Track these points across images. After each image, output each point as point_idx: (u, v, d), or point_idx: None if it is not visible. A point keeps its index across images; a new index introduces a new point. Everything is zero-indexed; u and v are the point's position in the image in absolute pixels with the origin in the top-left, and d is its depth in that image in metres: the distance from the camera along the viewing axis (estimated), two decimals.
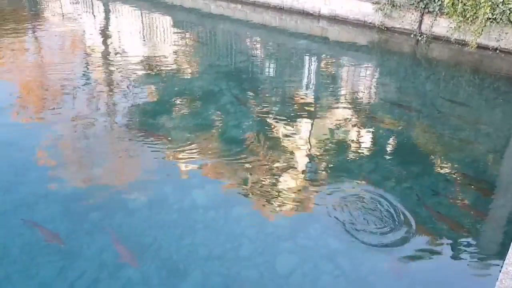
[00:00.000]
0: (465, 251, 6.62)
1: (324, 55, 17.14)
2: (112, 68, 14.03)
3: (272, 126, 10.17)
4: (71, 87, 11.94)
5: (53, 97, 11.60)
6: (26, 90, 12.07)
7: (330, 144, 9.57)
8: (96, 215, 6.95)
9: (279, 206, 7.39)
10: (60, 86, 12.04)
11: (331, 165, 8.72)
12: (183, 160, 8.59)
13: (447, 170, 8.89)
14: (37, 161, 8.52)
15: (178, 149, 8.89)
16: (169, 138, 9.25)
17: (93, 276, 5.86)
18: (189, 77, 13.62)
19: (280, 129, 10.07)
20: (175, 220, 6.96)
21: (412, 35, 17.43)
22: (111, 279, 5.88)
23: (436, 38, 17.15)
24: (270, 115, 10.78)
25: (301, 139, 9.75)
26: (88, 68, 13.87)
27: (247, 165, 8.46)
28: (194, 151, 8.87)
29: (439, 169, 8.94)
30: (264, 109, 11.16)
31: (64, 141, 9.30)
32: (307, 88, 13.44)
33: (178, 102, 11.54)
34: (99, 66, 14.21)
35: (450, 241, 6.78)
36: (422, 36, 17.18)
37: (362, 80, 14.40)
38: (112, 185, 7.85)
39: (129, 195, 7.47)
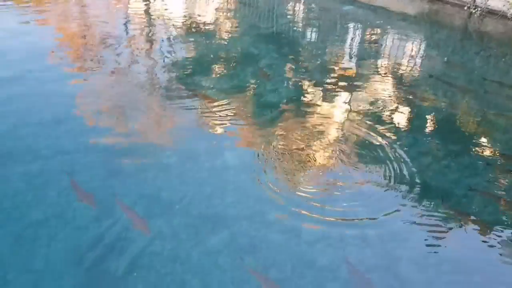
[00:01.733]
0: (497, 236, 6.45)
1: (369, 23, 16.54)
2: (153, 26, 14.06)
3: (309, 94, 10.01)
4: (113, 41, 12.06)
5: (94, 49, 11.78)
6: (70, 39, 12.29)
7: (366, 116, 9.35)
8: (131, 168, 7.13)
9: (308, 175, 7.34)
10: (102, 40, 12.19)
11: (366, 138, 8.55)
12: (218, 121, 8.62)
13: (489, 152, 8.56)
14: (77, 111, 8.75)
15: (213, 109, 8.92)
16: (206, 98, 9.28)
17: (125, 225, 6.07)
18: (229, 38, 13.48)
19: (317, 97, 9.91)
20: (206, 179, 7.05)
21: (465, 8, 16.52)
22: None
23: (491, 13, 16.19)
24: (308, 82, 10.60)
25: (337, 109, 9.57)
26: (130, 24, 13.95)
27: (280, 131, 8.41)
28: (229, 112, 8.87)
29: (481, 150, 8.61)
30: (303, 76, 10.98)
31: (103, 93, 9.48)
32: (348, 56, 13.08)
33: (216, 62, 11.49)
34: (140, 23, 14.26)
35: (477, 226, 6.60)
36: (476, 9, 16.26)
37: (407, 52, 13.87)
38: (148, 139, 8.00)
39: (163, 150, 7.61)
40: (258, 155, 7.71)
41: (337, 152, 7.94)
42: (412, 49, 14.16)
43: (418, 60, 13.34)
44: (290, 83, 10.45)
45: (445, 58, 13.52)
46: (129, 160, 7.30)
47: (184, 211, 6.39)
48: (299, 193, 6.85)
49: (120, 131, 8.18)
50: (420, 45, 14.74)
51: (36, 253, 5.68)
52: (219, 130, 8.39)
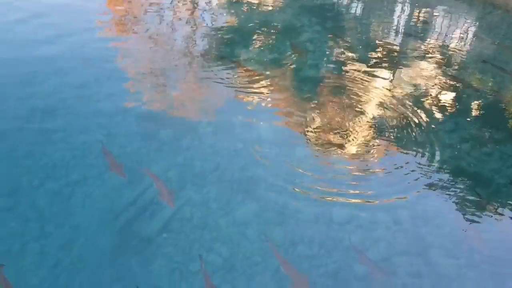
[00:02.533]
0: None
1: (418, 0, 15.82)
2: None
3: (350, 70, 9.76)
4: (155, 7, 12.08)
5: (137, 14, 11.84)
6: (113, 3, 12.40)
7: (408, 97, 9.05)
8: (166, 135, 7.23)
9: (343, 153, 7.22)
10: (144, 5, 12.23)
11: (405, 119, 8.28)
12: (255, 93, 8.56)
13: None
14: (117, 75, 8.88)
15: (251, 81, 8.86)
16: (244, 69, 9.21)
17: (158, 190, 6.20)
18: (271, 9, 13.24)
19: (359, 74, 9.64)
20: (239, 151, 7.06)
21: None
22: (174, 195, 6.19)
23: None
24: (350, 58, 10.31)
25: (378, 87, 9.30)
26: None
27: (318, 107, 8.28)
28: (266, 85, 8.79)
29: None
30: (345, 51, 10.69)
31: (143, 58, 9.56)
32: (394, 34, 12.61)
33: (257, 33, 11.33)
34: None
35: None
36: None
37: (456, 32, 13.23)
38: (184, 108, 8.06)
39: (199, 119, 7.65)
40: (293, 131, 7.63)
41: (374, 132, 7.75)
42: (462, 30, 13.49)
43: (468, 42, 12.71)
44: (331, 58, 10.21)
45: (497, 41, 12.82)
46: (164, 127, 7.39)
47: (216, 181, 6.45)
48: (332, 171, 6.77)
49: (157, 98, 8.28)
50: (470, 26, 14.02)
51: (73, 210, 5.90)
52: (255, 102, 8.34)
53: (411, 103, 8.77)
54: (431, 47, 11.89)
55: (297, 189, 6.39)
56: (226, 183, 6.43)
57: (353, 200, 6.29)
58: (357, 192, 6.43)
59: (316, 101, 8.43)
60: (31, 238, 5.58)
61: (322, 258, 5.52)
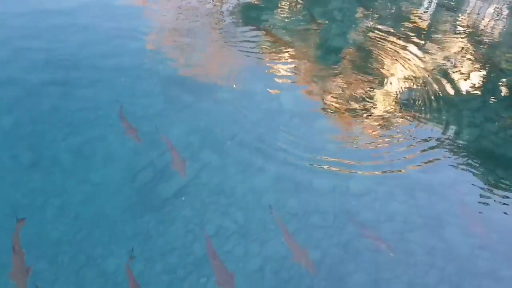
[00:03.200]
0: None
1: None
2: None
3: (378, 42, 9.50)
4: None
5: None
6: None
7: (435, 71, 8.79)
8: (188, 98, 7.24)
9: (365, 124, 7.12)
10: None
11: (430, 93, 8.06)
12: (279, 61, 8.45)
13: None
14: (142, 36, 8.86)
15: (276, 48, 8.73)
16: (270, 36, 9.06)
17: (172, 158, 6.27)
18: None
19: (386, 45, 9.39)
20: (260, 119, 7.04)
21: None
22: (193, 160, 6.26)
23: None
24: (379, 31, 10.03)
25: (406, 60, 9.05)
26: None
27: (342, 79, 8.14)
28: (291, 53, 8.65)
29: None
30: (373, 23, 10.39)
31: (168, 21, 9.49)
32: (425, 8, 12.15)
33: (285, 0, 11.08)
34: None
35: None
36: None
37: (490, 8, 12.67)
38: (207, 72, 8.03)
39: (221, 85, 7.62)
40: (315, 101, 7.55)
41: (398, 105, 7.60)
42: (497, 5, 12.91)
43: (502, 18, 12.18)
44: (359, 29, 9.94)
45: None
46: (187, 91, 7.40)
47: (235, 147, 6.48)
48: (352, 144, 6.71)
49: (182, 61, 8.25)
50: (506, 2, 13.39)
51: (94, 168, 6.04)
52: (279, 71, 8.25)
53: (438, 78, 8.53)
54: (463, 21, 11.46)
55: (315, 160, 6.37)
56: (244, 150, 6.45)
57: (371, 172, 6.25)
58: (376, 164, 6.36)
59: (340, 72, 8.29)
60: (53, 193, 5.76)
61: (336, 229, 5.56)
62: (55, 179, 5.89)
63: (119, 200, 5.75)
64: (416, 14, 11.49)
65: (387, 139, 6.86)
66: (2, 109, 6.77)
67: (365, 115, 7.31)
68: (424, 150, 6.69)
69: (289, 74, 8.17)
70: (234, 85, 7.63)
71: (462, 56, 9.55)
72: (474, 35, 10.70)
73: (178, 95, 7.27)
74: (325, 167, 6.29)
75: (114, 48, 8.33)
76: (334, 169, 6.27)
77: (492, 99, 8.28)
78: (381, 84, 8.09)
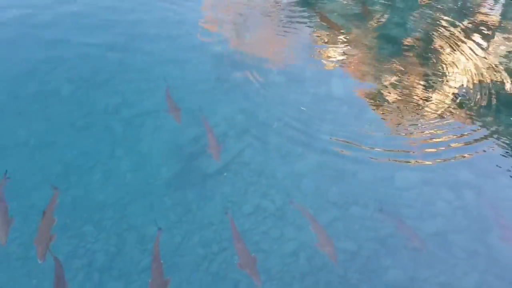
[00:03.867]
0: None
1: None
2: None
3: (439, 34, 9.07)
4: None
5: None
6: None
7: (498, 68, 8.28)
8: (237, 79, 7.26)
9: (415, 121, 6.85)
10: None
11: (489, 89, 7.59)
12: (332, 47, 8.28)
13: None
14: (198, 15, 8.95)
15: (331, 34, 8.55)
16: (326, 21, 8.88)
17: (223, 131, 6.36)
18: None
19: (447, 39, 8.95)
20: (307, 104, 6.96)
21: None
22: (237, 139, 6.32)
23: None
24: (441, 21, 9.56)
25: (467, 56, 8.59)
26: None
27: (397, 69, 7.86)
28: (346, 39, 8.45)
29: None
30: (436, 13, 9.91)
31: (224, 3, 9.50)
32: (495, 1, 11.43)
33: None
34: None
35: None
36: None
37: None
38: (259, 54, 8.00)
39: (271, 67, 7.59)
40: (366, 90, 7.36)
41: (453, 101, 7.26)
42: None
43: None
44: (420, 18, 9.52)
45: None
46: (237, 71, 7.43)
47: (279, 130, 6.46)
48: (400, 136, 6.50)
49: (234, 40, 8.27)
50: None
51: (142, 139, 6.23)
52: (332, 57, 8.09)
53: (499, 75, 8.05)
54: None
55: (361, 149, 6.24)
56: (288, 134, 6.41)
57: (418, 167, 6.03)
58: (424, 158, 6.13)
59: (396, 62, 8.00)
60: (102, 158, 6.01)
61: (375, 222, 5.44)
62: (105, 145, 6.14)
63: (163, 171, 5.92)
64: (485, 7, 10.84)
65: (439, 134, 6.57)
66: (61, 76, 7.10)
67: (417, 107, 7.04)
68: (477, 150, 6.37)
69: (342, 61, 7.99)
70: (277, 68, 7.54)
71: None
72: None
73: (227, 75, 7.31)
74: (371, 158, 6.14)
75: (171, 25, 8.47)
76: (380, 160, 6.11)
77: None
78: (438, 76, 7.74)
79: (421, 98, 7.22)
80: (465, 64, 8.27)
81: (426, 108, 7.04)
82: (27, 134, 6.31)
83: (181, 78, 7.17)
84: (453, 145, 6.42)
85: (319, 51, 8.23)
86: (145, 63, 7.45)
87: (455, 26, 9.44)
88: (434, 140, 6.49)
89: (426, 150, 6.30)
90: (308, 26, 8.77)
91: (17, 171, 5.93)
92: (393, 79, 7.62)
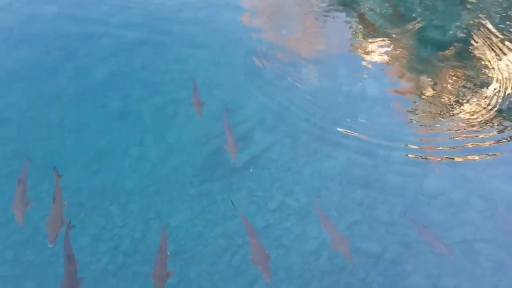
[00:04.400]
0: None
1: None
2: None
3: (481, 38, 8.76)
4: None
5: None
6: None
7: None
8: (270, 73, 7.24)
9: (450, 126, 6.63)
10: None
11: None
12: (368, 44, 8.14)
13: None
14: (235, 6, 8.96)
15: (368, 33, 8.40)
16: (364, 19, 8.73)
17: (252, 126, 6.40)
18: None
19: (489, 45, 8.63)
20: (339, 102, 6.88)
21: None
22: (266, 134, 6.32)
23: None
24: (483, 26, 9.22)
25: (510, 62, 8.26)
26: None
27: (434, 71, 7.64)
28: (383, 40, 8.28)
29: None
30: (479, 17, 9.56)
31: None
32: None
33: None
34: None
35: None
36: None
37: None
38: (294, 48, 7.93)
39: (305, 63, 7.52)
40: (400, 91, 7.21)
41: (490, 109, 7.00)
42: None
43: None
44: (462, 22, 9.22)
45: None
46: (270, 64, 7.39)
47: (309, 128, 6.41)
48: (433, 141, 6.33)
49: (270, 34, 8.23)
50: None
51: (173, 128, 6.31)
52: (367, 55, 7.95)
53: None
54: None
55: (391, 152, 6.12)
56: (318, 132, 6.36)
57: (450, 173, 5.88)
58: (456, 165, 5.96)
59: (434, 65, 7.79)
60: (133, 145, 6.14)
61: (401, 226, 5.35)
62: (137, 132, 6.26)
63: (190, 162, 5.99)
64: None
65: (473, 141, 6.37)
66: (98, 61, 7.27)
67: (452, 112, 6.84)
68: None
69: (378, 61, 7.85)
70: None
71: None
72: None
73: (260, 69, 7.30)
74: (401, 161, 6.02)
75: (207, 16, 8.53)
76: (410, 165, 5.99)
77: None
78: (476, 82, 7.48)
79: (456, 103, 7.02)
80: (506, 71, 7.96)
81: (462, 114, 6.83)
82: (62, 116, 6.51)
83: (214, 70, 7.22)
84: (488, 152, 6.21)
85: (355, 49, 8.11)
86: (180, 53, 7.53)
87: (498, 30, 9.09)
88: (468, 145, 6.29)
89: (460, 157, 6.12)
90: (345, 24, 8.65)
91: (50, 152, 6.14)
92: (429, 81, 7.43)
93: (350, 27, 8.61)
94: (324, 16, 8.90)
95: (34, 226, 5.38)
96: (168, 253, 4.75)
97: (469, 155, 6.17)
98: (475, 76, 7.60)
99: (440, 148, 6.24)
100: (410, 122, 6.65)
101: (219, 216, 5.50)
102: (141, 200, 5.64)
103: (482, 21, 9.34)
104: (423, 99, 7.11)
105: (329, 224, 5.12)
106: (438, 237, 5.12)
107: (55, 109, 6.58)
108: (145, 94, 6.77)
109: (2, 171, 5.89)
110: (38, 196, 5.70)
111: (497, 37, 8.82)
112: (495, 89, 7.37)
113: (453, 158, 6.08)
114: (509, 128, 6.66)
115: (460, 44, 8.47)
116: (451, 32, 8.86)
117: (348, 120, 6.55)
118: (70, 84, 6.91)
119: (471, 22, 9.28)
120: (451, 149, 6.24)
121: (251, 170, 5.93)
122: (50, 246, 4.68)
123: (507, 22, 9.44)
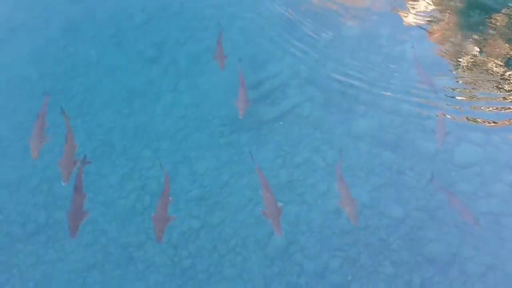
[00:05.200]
0: None
1: None
2: None
3: None
4: None
5: None
6: None
7: None
8: (308, 27, 7.02)
9: (490, 95, 6.33)
10: None
11: None
12: (413, 6, 7.74)
13: None
14: None
15: None
16: None
17: (284, 81, 6.33)
18: None
19: None
20: (377, 63, 6.62)
21: None
22: (299, 90, 6.25)
23: None
24: None
25: None
26: None
27: (480, 38, 7.24)
28: (431, 2, 7.86)
29: None
30: None
31: None
32: None
33: None
34: None
35: None
36: None
37: None
38: (333, 5, 7.61)
39: (345, 20, 7.25)
40: (443, 56, 6.89)
41: None
42: None
43: None
44: None
45: None
46: (308, 21, 7.10)
47: (342, 87, 6.26)
48: (469, 111, 6.08)
49: None
50: None
51: (206, 76, 6.32)
52: (412, 17, 7.58)
53: None
54: None
55: (424, 118, 5.94)
56: (352, 91, 6.21)
57: (482, 144, 5.66)
58: (490, 136, 5.73)
59: (480, 31, 7.38)
60: (166, 89, 6.20)
61: (426, 193, 5.29)
62: (170, 77, 6.30)
63: (222, 111, 6.03)
64: None
65: None
66: (136, 5, 7.21)
67: (493, 82, 6.52)
68: None
69: (423, 23, 7.48)
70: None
71: None
72: None
73: (297, 24, 7.06)
74: (434, 128, 5.83)
75: None
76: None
77: None
78: None
79: (500, 74, 6.69)
80: None
81: (505, 85, 6.52)
82: (99, 57, 6.60)
83: (251, 21, 7.06)
84: None
85: (398, 10, 7.74)
86: (218, 1, 7.37)
87: None
88: (506, 120, 6.05)
89: (495, 128, 5.89)
90: None
91: (85, 90, 6.28)
92: (474, 49, 7.06)
93: None
94: None
95: None
96: (170, 198, 4.71)
97: (507, 128, 5.95)
98: None
99: (477, 118, 6.02)
100: (448, 89, 6.41)
101: (245, 167, 5.57)
102: (170, 144, 5.77)
103: None
104: (465, 66, 6.80)
105: (343, 185, 4.92)
106: (465, 206, 5.02)
107: (92, 49, 6.66)
108: (181, 40, 6.73)
109: (40, 103, 6.06)
110: None
111: None
112: None
113: (490, 130, 5.86)
114: None
115: (504, 13, 7.97)
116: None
117: (385, 81, 6.35)
118: (108, 25, 6.94)
119: None
120: (488, 121, 6.02)
121: (280, 123, 5.92)
122: (63, 184, 4.69)
123: None
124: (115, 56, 6.56)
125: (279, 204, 4.70)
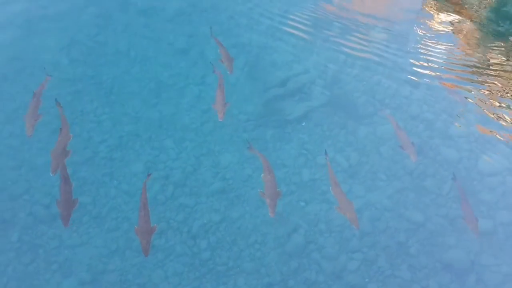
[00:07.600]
0: None
1: None
2: None
3: None
4: None
5: None
6: None
7: None
8: (338, 29, 7.04)
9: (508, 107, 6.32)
10: None
11: None
12: (442, 14, 7.69)
13: None
14: None
15: (442, 1, 7.93)
16: None
17: (312, 79, 6.37)
18: None
19: None
20: (404, 68, 6.66)
21: None
22: (325, 88, 6.29)
23: None
24: None
25: None
26: None
27: (507, 50, 7.19)
28: (458, 10, 7.80)
29: None
30: None
31: None
32: None
33: None
34: None
35: None
36: None
37: None
38: (363, 8, 7.60)
39: (376, 23, 7.23)
40: (468, 64, 6.85)
41: None
42: None
43: None
44: None
45: None
46: (337, 24, 7.11)
47: (370, 86, 6.29)
48: (491, 119, 6.02)
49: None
50: None
51: (233, 69, 6.30)
52: (439, 24, 7.55)
53: None
54: None
55: (449, 124, 5.94)
56: (380, 94, 6.23)
57: (507, 155, 5.64)
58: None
59: (509, 43, 7.32)
60: (193, 82, 6.27)
61: (448, 200, 5.30)
62: (198, 70, 6.37)
63: (248, 107, 6.08)
64: None
65: None
66: None
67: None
68: None
69: (450, 30, 7.44)
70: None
71: None
72: None
73: (327, 26, 7.08)
74: (458, 135, 5.85)
75: None
76: (468, 140, 5.81)
77: None
78: None
79: None
80: None
81: None
82: (129, 46, 6.70)
83: (280, 20, 7.09)
84: None
85: (426, 17, 7.72)
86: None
87: None
88: None
89: None
90: None
91: (114, 78, 6.37)
92: (499, 60, 7.02)
93: None
94: None
95: (94, 149, 5.70)
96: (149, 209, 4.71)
97: None
98: None
99: (502, 127, 6.00)
100: (472, 97, 6.39)
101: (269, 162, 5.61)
102: (195, 136, 5.83)
103: None
104: (491, 74, 6.76)
105: (338, 189, 4.95)
106: (472, 212, 4.97)
107: (123, 38, 6.76)
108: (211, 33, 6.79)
109: (69, 89, 6.20)
110: (99, 119, 6.01)
111: None
112: None
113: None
114: None
115: None
116: None
117: (409, 85, 6.35)
118: (141, 15, 7.04)
119: None
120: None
121: (303, 124, 5.96)
122: (51, 175, 4.90)
123: None
124: (145, 47, 6.65)
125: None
